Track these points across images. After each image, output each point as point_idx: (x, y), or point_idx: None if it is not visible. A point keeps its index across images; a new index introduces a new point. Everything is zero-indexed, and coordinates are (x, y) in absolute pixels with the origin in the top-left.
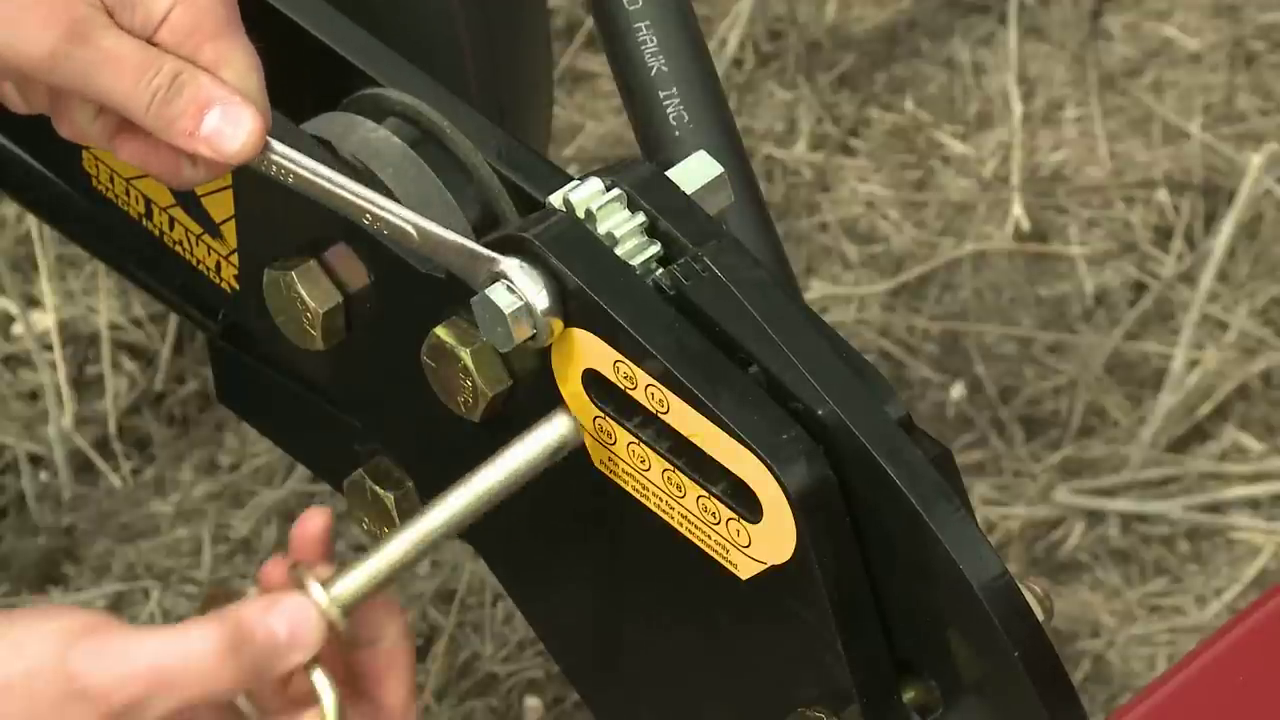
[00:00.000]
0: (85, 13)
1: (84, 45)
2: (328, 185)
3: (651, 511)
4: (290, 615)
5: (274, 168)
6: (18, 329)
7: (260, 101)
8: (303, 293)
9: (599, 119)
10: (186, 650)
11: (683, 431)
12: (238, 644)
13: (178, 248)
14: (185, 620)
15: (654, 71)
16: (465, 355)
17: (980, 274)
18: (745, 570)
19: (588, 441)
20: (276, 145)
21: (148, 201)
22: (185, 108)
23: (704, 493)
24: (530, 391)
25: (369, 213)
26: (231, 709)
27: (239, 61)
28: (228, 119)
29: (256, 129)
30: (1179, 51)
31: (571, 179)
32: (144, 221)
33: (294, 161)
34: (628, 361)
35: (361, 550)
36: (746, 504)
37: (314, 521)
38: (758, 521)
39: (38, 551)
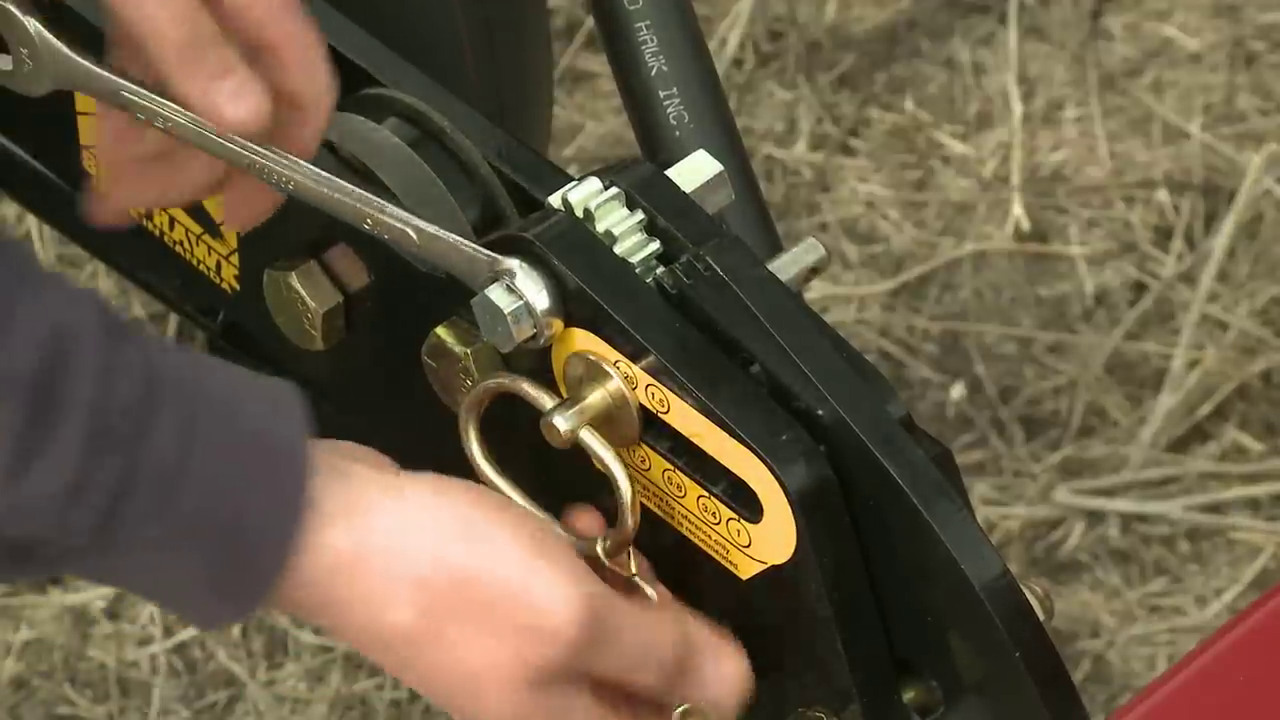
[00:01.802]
0: None
1: None
2: (327, 191)
3: (651, 511)
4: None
5: (273, 175)
6: None
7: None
8: (303, 293)
9: (599, 119)
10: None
11: (683, 431)
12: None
13: (178, 248)
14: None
15: (654, 71)
16: (465, 355)
17: (980, 274)
18: (745, 570)
19: None
20: (276, 153)
21: None
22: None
23: (704, 493)
24: None
25: (369, 217)
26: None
27: (302, 41)
28: (238, 89)
29: (260, 106)
30: (1179, 51)
31: (571, 179)
32: (144, 221)
33: (293, 168)
34: (628, 361)
35: None
36: (746, 504)
37: None
38: (758, 521)
39: None
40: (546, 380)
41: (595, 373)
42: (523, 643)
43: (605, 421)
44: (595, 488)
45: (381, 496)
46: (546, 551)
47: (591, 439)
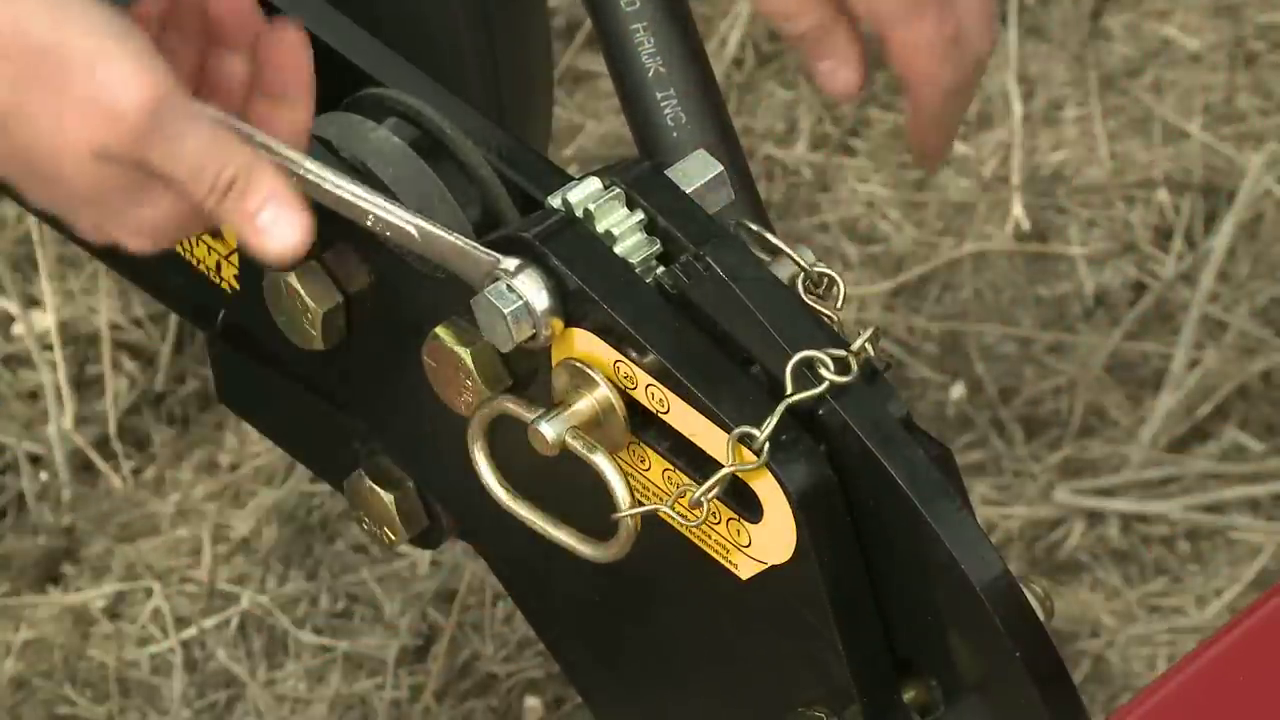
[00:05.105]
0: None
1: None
2: (329, 188)
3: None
4: None
5: None
6: (18, 329)
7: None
8: (303, 293)
9: (599, 119)
10: None
11: (683, 431)
12: None
13: (178, 247)
14: None
15: (651, 73)
16: (465, 355)
17: (980, 274)
18: (745, 570)
19: None
20: (278, 149)
21: None
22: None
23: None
24: (531, 391)
25: (371, 215)
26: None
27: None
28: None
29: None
30: (1179, 51)
31: (571, 179)
32: None
33: (296, 165)
34: (628, 361)
35: (361, 551)
36: (746, 504)
37: None
38: (758, 521)
39: (38, 551)
40: (547, 381)
41: (583, 380)
42: (91, 116)
43: (593, 429)
44: (595, 495)
45: None
46: (127, 36)
47: (581, 445)
